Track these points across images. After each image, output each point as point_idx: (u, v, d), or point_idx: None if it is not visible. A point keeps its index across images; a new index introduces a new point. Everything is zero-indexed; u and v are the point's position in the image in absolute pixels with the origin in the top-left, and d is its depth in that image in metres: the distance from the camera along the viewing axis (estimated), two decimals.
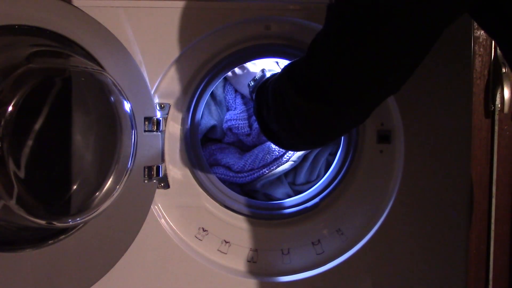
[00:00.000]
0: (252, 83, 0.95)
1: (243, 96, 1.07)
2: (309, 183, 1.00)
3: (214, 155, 1.02)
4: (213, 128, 1.04)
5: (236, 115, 1.03)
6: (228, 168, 1.00)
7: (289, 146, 0.79)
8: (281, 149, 0.99)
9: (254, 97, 0.85)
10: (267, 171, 0.99)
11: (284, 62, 1.01)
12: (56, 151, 0.71)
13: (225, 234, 0.90)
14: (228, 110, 1.06)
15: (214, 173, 0.94)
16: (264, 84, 0.79)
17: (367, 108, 0.64)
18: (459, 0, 0.52)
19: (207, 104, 1.03)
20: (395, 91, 0.61)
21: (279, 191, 1.00)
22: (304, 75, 0.62)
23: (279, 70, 0.94)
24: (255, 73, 0.98)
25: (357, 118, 0.67)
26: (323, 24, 0.60)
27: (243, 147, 1.06)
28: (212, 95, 1.05)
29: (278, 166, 0.99)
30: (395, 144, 0.87)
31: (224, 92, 1.07)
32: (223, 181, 0.96)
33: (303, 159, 1.01)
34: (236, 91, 1.07)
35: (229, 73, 1.01)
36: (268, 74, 0.92)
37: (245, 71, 1.01)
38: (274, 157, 0.99)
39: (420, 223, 0.86)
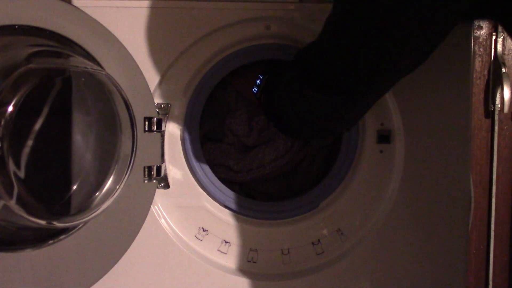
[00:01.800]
0: (256, 89, 0.95)
1: (244, 98, 1.06)
2: (308, 183, 1.00)
3: (214, 156, 1.02)
4: (213, 128, 1.04)
5: (237, 116, 1.02)
6: (228, 167, 1.00)
7: (297, 135, 0.79)
8: (280, 150, 0.99)
9: (265, 84, 0.84)
10: (266, 171, 0.99)
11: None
12: (56, 151, 0.71)
13: (225, 234, 0.90)
14: (228, 110, 1.06)
15: (213, 172, 0.94)
16: (276, 72, 0.78)
17: (377, 96, 0.63)
18: None
19: (207, 104, 1.03)
20: (407, 74, 0.59)
21: (278, 191, 1.00)
22: (315, 64, 0.60)
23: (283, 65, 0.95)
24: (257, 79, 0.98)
25: (365, 109, 0.66)
26: (332, 10, 0.57)
27: (243, 148, 1.06)
28: (213, 96, 1.05)
29: (278, 166, 0.99)
30: (395, 144, 0.87)
31: (225, 92, 1.06)
32: (222, 180, 0.96)
33: (303, 159, 1.01)
34: (237, 92, 1.07)
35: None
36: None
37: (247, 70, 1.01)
38: (273, 157, 0.99)
39: (420, 223, 0.86)
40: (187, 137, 0.89)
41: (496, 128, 1.16)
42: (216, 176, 0.93)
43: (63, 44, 0.71)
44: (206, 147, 1.04)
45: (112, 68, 0.76)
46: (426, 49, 0.55)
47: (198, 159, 0.90)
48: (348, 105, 0.62)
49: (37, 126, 0.66)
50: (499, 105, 1.14)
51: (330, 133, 0.85)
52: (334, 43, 0.56)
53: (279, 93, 0.72)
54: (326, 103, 0.61)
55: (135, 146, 0.75)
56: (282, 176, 1.01)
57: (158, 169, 0.84)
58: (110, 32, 0.79)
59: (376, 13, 0.49)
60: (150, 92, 0.83)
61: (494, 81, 1.14)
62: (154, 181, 0.84)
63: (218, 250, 0.89)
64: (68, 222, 0.68)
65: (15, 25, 0.65)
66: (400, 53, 0.54)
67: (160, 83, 0.85)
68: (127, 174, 0.74)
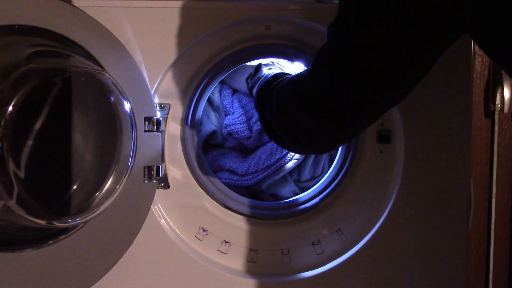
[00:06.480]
0: (250, 80, 0.95)
1: (239, 100, 1.06)
2: (314, 178, 1.00)
3: (217, 161, 1.02)
4: (213, 133, 1.04)
5: (235, 120, 1.02)
6: (233, 172, 1.00)
7: (292, 149, 0.81)
8: (283, 149, 0.99)
9: (255, 95, 0.85)
10: (271, 172, 0.99)
11: (284, 62, 1.00)
12: (56, 151, 0.71)
13: (225, 234, 0.90)
14: (226, 115, 1.06)
15: (219, 178, 0.94)
16: (267, 86, 0.79)
17: (368, 122, 0.64)
18: (458, 17, 0.51)
19: (205, 110, 1.03)
20: (396, 104, 0.62)
21: (286, 190, 1.00)
22: (307, 91, 0.62)
23: (277, 67, 0.95)
24: (250, 69, 0.98)
25: (358, 130, 0.67)
26: (326, 41, 0.60)
27: (245, 150, 1.06)
28: (209, 101, 1.05)
29: (282, 166, 0.99)
30: (395, 144, 0.87)
31: (220, 97, 1.06)
32: (229, 185, 0.96)
33: (306, 156, 1.00)
34: (232, 95, 1.07)
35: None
36: (265, 70, 0.91)
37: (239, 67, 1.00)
38: (277, 157, 0.99)
39: (420, 223, 0.86)
40: (187, 137, 0.89)
41: (496, 128, 1.16)
42: (221, 181, 0.93)
43: (63, 44, 0.71)
44: (208, 153, 1.04)
45: (112, 68, 0.76)
46: (414, 80, 0.59)
47: (198, 159, 0.90)
48: (337, 130, 0.64)
49: (37, 126, 0.66)
50: (499, 105, 1.14)
51: (316, 152, 0.88)
52: (330, 77, 0.60)
53: (271, 112, 0.73)
54: (317, 127, 0.63)
55: (135, 146, 0.75)
56: (287, 174, 1.01)
57: (158, 169, 0.84)
58: (110, 32, 0.79)
59: (372, 58, 0.53)
60: (150, 92, 0.83)
61: (494, 81, 1.14)
62: (154, 181, 0.84)
63: (218, 250, 0.89)
64: (68, 222, 0.68)
65: (15, 25, 0.65)
66: (390, 90, 0.58)
67: (160, 83, 0.85)
68: (127, 174, 0.74)
